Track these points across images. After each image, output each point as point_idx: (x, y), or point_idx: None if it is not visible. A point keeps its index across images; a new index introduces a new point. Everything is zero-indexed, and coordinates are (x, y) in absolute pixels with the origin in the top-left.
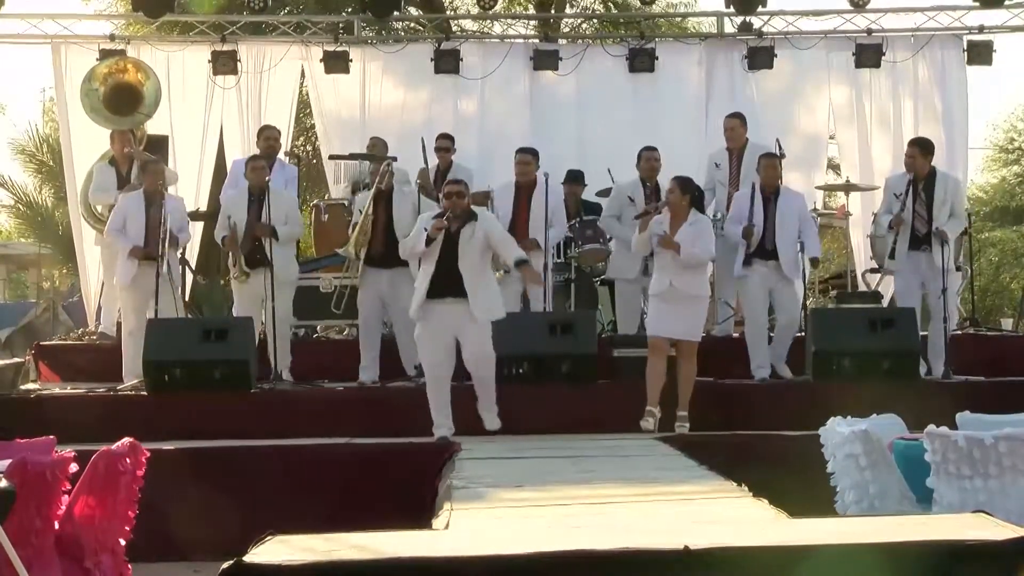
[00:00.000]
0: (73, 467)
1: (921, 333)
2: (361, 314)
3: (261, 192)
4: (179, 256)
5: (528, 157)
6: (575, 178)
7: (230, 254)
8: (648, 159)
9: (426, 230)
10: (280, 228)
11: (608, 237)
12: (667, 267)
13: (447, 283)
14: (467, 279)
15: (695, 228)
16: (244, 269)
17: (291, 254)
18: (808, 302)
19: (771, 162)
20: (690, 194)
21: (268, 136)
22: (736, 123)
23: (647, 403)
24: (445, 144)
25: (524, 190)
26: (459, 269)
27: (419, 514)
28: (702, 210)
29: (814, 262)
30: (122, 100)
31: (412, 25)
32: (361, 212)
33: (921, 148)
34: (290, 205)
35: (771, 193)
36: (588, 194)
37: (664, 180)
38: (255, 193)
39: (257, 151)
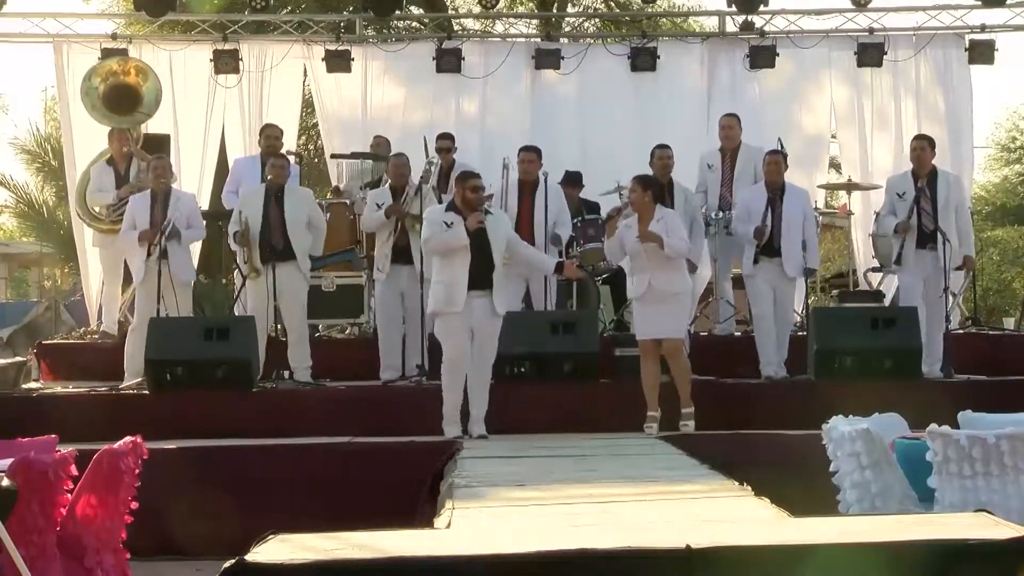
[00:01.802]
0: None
1: None
2: (384, 312)
3: (280, 190)
4: (187, 253)
5: (532, 155)
6: (572, 180)
7: (243, 250)
8: (661, 157)
9: (447, 224)
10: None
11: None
12: (644, 268)
13: (480, 275)
14: (496, 271)
15: (664, 223)
16: (256, 267)
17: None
18: (810, 301)
19: (775, 159)
20: (651, 189)
21: (269, 135)
22: (733, 122)
23: (647, 408)
24: (446, 144)
25: (527, 188)
26: (494, 261)
27: (421, 513)
28: (664, 204)
29: (809, 272)
30: (120, 99)
31: (414, 24)
32: (379, 206)
33: (929, 142)
34: (312, 205)
35: (776, 191)
36: (592, 194)
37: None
38: (273, 191)
39: (259, 150)
